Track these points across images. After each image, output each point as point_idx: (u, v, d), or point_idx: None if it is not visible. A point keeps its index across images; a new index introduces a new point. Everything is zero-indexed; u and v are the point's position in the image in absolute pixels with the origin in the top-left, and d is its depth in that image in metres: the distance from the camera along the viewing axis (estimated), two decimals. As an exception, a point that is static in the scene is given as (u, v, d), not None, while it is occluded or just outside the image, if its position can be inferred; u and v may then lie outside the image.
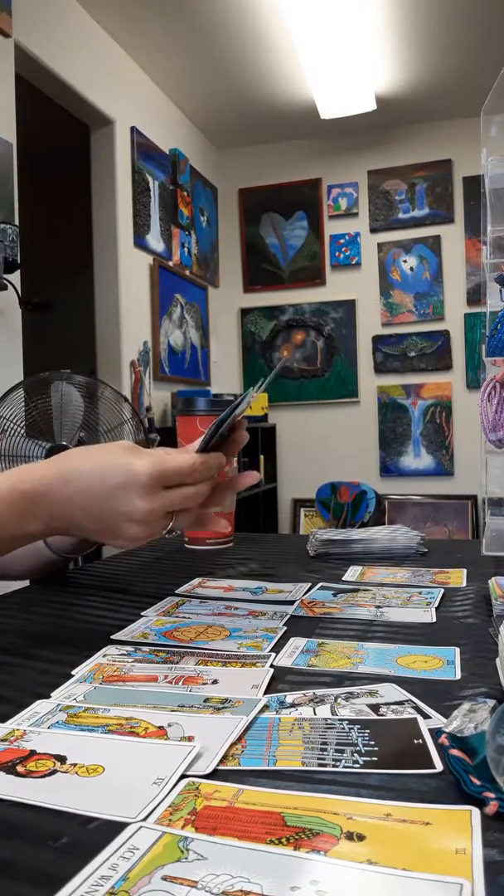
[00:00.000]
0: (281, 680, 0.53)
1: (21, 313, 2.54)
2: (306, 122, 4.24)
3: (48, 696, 0.50)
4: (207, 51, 3.47)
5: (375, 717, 0.45)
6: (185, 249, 4.12)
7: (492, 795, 0.34)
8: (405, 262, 4.44)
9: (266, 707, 0.47)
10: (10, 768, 0.39)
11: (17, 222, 2.48)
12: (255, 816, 0.34)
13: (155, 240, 3.74)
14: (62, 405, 2.08)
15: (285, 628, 0.66)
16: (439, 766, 0.38)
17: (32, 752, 0.41)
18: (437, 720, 0.44)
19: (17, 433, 2.15)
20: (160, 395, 3.73)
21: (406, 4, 3.13)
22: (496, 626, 0.61)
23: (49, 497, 0.59)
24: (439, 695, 0.49)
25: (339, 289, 4.57)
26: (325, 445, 4.55)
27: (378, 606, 0.73)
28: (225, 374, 4.72)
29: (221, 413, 0.63)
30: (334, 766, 0.39)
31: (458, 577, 0.86)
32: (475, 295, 4.29)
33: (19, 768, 0.39)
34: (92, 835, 0.33)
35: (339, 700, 0.48)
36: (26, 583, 0.93)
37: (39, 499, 0.59)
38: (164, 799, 0.35)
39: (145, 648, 0.61)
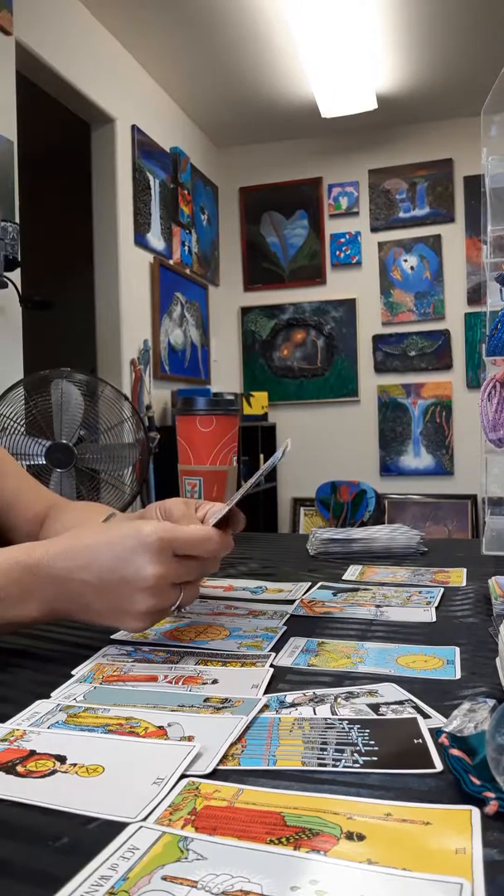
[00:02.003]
0: (281, 679, 0.53)
1: (21, 311, 2.54)
2: (307, 121, 4.24)
3: (48, 696, 0.50)
4: (208, 49, 3.47)
5: (375, 716, 0.45)
6: (186, 248, 4.12)
7: (492, 795, 0.34)
8: (406, 261, 4.44)
9: (266, 707, 0.47)
10: (10, 768, 0.39)
11: (17, 220, 2.48)
12: (255, 816, 0.34)
13: (155, 238, 3.74)
14: (62, 403, 2.09)
15: (285, 628, 0.66)
16: (439, 766, 0.38)
17: (32, 752, 0.41)
18: (437, 720, 0.44)
19: (17, 431, 2.16)
20: (160, 394, 3.73)
21: (407, 4, 3.12)
22: (496, 625, 0.61)
23: (54, 573, 0.56)
24: (439, 694, 0.49)
25: (339, 288, 4.57)
26: (324, 445, 4.55)
27: (378, 606, 0.73)
28: (225, 373, 4.72)
29: (252, 480, 0.62)
30: (334, 765, 0.39)
31: (458, 577, 0.86)
32: (475, 294, 4.29)
33: (19, 768, 0.39)
34: (92, 835, 0.33)
35: (339, 700, 0.48)
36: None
37: (43, 575, 0.56)
38: (163, 799, 0.35)
39: (145, 648, 0.61)
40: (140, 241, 3.57)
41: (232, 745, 0.41)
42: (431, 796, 0.36)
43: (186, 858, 0.30)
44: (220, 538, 0.59)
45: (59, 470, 2.06)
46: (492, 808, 0.33)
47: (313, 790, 0.36)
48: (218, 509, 0.66)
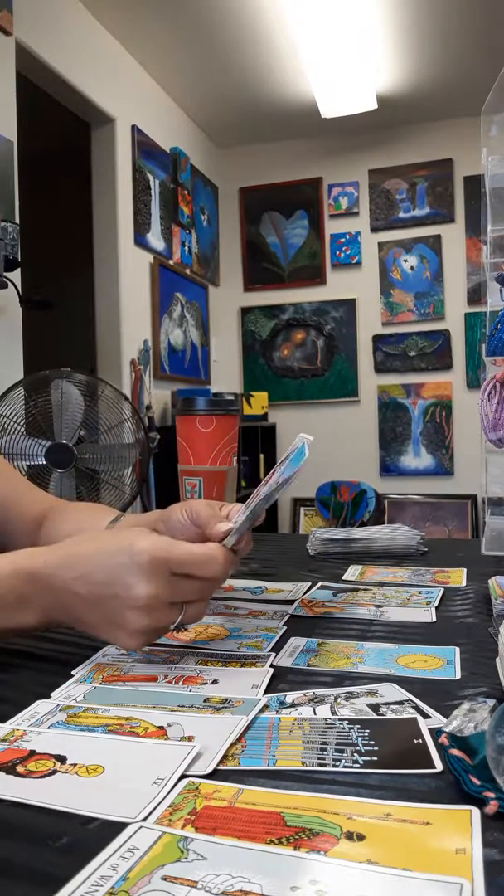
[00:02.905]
0: (281, 680, 0.53)
1: (21, 311, 2.54)
2: (307, 121, 4.24)
3: (48, 696, 0.50)
4: (208, 49, 3.47)
5: (375, 716, 0.45)
6: (186, 248, 4.12)
7: (492, 795, 0.34)
8: (406, 261, 4.44)
9: (266, 707, 0.47)
10: (10, 768, 0.39)
11: (17, 220, 2.48)
12: (255, 816, 0.34)
13: (155, 238, 3.74)
14: (62, 403, 2.09)
15: (285, 628, 0.66)
16: (439, 766, 0.38)
17: (32, 752, 0.41)
18: (437, 720, 0.44)
19: (17, 431, 2.16)
20: (160, 394, 3.73)
21: (407, 4, 3.12)
22: (496, 625, 0.61)
23: (51, 582, 0.54)
24: (439, 695, 0.49)
25: (339, 288, 4.57)
26: (325, 445, 4.54)
27: (378, 606, 0.73)
28: (225, 373, 4.72)
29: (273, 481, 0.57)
30: (334, 765, 0.39)
31: (457, 577, 0.86)
32: (475, 294, 4.29)
33: (19, 768, 0.39)
34: (92, 835, 0.33)
35: (339, 700, 0.48)
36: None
37: (42, 583, 0.55)
38: (164, 799, 0.35)
39: (145, 648, 0.61)
40: (140, 241, 3.57)
41: (232, 745, 0.41)
42: (431, 796, 0.36)
43: (186, 858, 0.30)
44: (226, 558, 0.56)
45: (58, 470, 2.06)
46: (492, 808, 0.33)
47: (313, 790, 0.36)
48: (238, 511, 0.64)
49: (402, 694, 0.49)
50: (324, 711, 0.46)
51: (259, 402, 4.32)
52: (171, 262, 3.91)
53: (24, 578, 0.55)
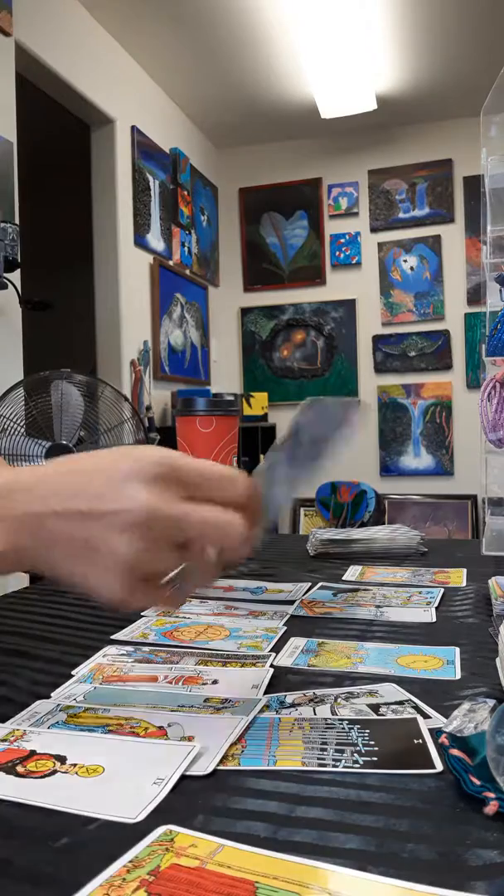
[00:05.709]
0: (281, 680, 0.53)
1: (21, 312, 2.54)
2: (307, 122, 4.24)
3: (48, 696, 0.50)
4: (208, 50, 3.47)
5: (375, 717, 0.45)
6: (186, 249, 4.12)
7: (492, 795, 0.34)
8: (405, 261, 4.44)
9: (266, 707, 0.47)
10: (10, 768, 0.39)
11: (17, 221, 2.48)
12: (223, 886, 0.28)
13: (155, 239, 3.74)
14: (62, 404, 2.09)
15: (285, 628, 0.66)
16: (439, 766, 0.38)
17: (32, 753, 0.41)
18: (437, 720, 0.44)
19: (17, 432, 2.16)
20: (160, 395, 3.73)
21: (407, 4, 3.12)
22: (496, 625, 0.61)
23: (27, 493, 0.42)
24: (439, 695, 0.49)
25: (339, 288, 4.56)
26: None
27: (378, 606, 0.73)
28: (225, 374, 4.72)
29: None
30: (334, 766, 0.39)
31: (458, 577, 0.86)
32: (475, 295, 4.29)
33: (19, 768, 0.39)
34: (92, 835, 0.33)
35: (339, 700, 0.48)
36: (26, 583, 0.93)
37: (15, 494, 0.42)
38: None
39: (145, 648, 0.61)
40: (140, 241, 3.57)
41: (232, 745, 0.41)
42: (431, 797, 0.36)
43: None
44: (247, 485, 0.44)
45: (59, 470, 2.06)
46: (492, 808, 0.33)
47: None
48: None
49: (402, 694, 0.49)
50: (324, 711, 0.46)
51: (259, 403, 4.32)
52: (170, 263, 3.91)
53: None
